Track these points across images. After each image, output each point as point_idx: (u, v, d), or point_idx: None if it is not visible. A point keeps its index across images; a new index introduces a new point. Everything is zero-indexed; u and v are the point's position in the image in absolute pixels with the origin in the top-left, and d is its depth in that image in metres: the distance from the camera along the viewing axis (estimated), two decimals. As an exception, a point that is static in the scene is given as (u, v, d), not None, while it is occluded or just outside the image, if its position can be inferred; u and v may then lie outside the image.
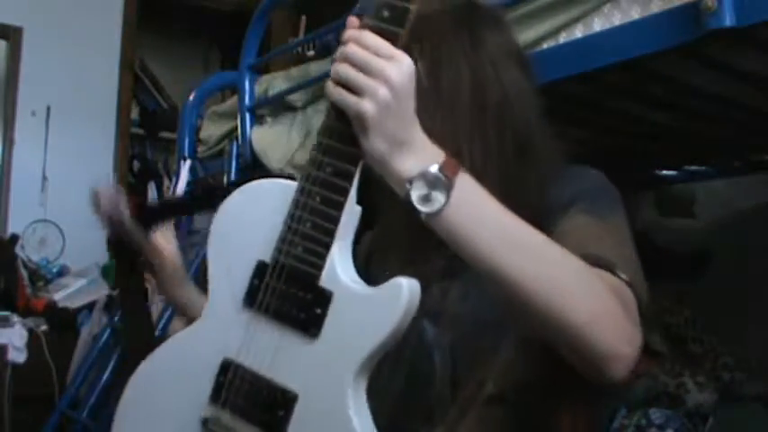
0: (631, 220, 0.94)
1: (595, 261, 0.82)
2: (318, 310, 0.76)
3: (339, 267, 0.76)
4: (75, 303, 3.24)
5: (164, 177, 4.29)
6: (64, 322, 3.15)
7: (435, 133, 0.79)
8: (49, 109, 3.72)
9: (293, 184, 0.81)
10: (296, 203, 0.79)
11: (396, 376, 0.95)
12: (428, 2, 0.97)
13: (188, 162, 2.61)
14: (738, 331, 2.43)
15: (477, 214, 0.76)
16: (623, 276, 0.83)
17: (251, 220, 0.84)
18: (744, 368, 2.37)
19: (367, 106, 0.74)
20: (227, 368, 0.81)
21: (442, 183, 0.74)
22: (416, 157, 0.76)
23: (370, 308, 0.73)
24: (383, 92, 0.73)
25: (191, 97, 2.85)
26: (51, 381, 2.96)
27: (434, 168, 0.74)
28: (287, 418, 0.76)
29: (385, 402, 0.98)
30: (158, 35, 4.38)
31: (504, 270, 0.75)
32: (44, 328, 3.07)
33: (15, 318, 3.03)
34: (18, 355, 2.90)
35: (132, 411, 0.91)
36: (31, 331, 2.99)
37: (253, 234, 0.82)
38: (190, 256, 2.42)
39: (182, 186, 2.75)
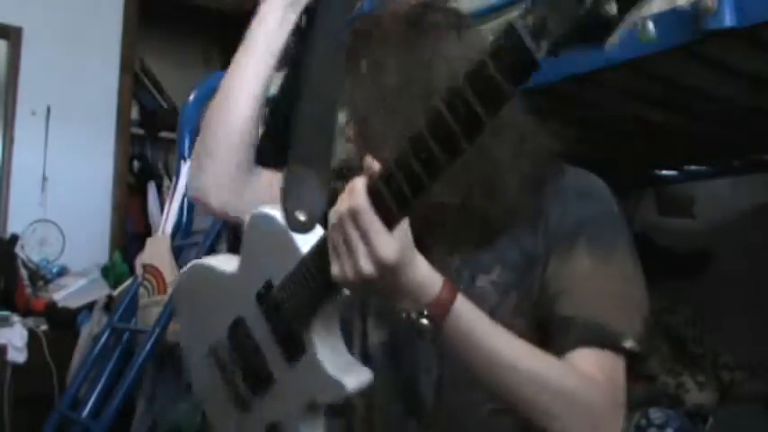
0: (631, 221, 0.94)
1: (597, 336, 0.86)
2: (296, 351, 0.88)
3: (316, 332, 0.85)
4: (75, 303, 3.23)
5: (164, 177, 4.28)
6: (64, 322, 3.14)
7: (388, 138, 0.78)
8: (49, 109, 3.72)
9: (302, 254, 0.84)
10: (294, 273, 0.85)
11: (390, 369, 0.97)
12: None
13: (188, 162, 2.61)
14: (739, 331, 2.43)
15: (465, 343, 0.80)
16: (627, 345, 0.86)
17: (268, 242, 0.89)
18: (744, 368, 2.37)
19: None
20: (238, 324, 0.96)
21: (429, 329, 0.78)
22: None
23: (319, 380, 0.85)
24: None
25: (191, 97, 2.84)
26: (51, 381, 2.95)
27: (422, 318, 0.77)
28: (265, 389, 0.93)
29: (378, 393, 0.99)
30: (158, 35, 4.37)
31: (491, 389, 0.83)
32: (44, 328, 3.07)
33: (15, 318, 3.03)
34: (18, 355, 2.90)
35: (186, 302, 1.13)
36: (31, 331, 2.99)
37: (267, 255, 0.91)
38: (190, 257, 2.42)
39: (182, 186, 2.75)
